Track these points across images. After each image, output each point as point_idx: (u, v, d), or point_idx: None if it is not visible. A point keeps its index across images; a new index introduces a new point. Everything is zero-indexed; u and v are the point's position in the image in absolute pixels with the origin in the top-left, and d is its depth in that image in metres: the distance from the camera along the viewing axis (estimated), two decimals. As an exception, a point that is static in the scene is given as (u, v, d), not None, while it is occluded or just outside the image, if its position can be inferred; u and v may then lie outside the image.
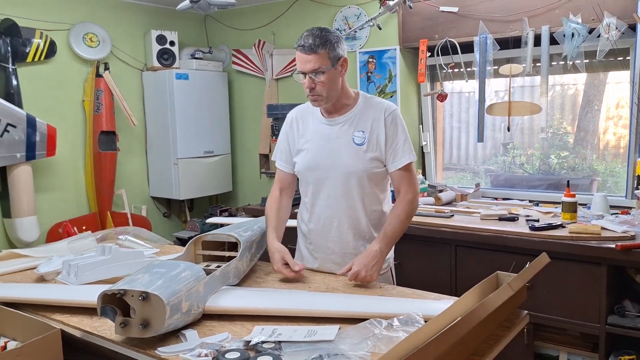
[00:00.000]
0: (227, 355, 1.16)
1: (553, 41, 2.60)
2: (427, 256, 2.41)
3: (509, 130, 2.75)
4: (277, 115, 2.98)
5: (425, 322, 1.28)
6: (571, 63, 2.58)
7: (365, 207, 1.79)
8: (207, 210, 3.94)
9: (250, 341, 1.25)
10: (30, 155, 2.87)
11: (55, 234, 3.09)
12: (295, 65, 3.50)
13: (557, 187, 2.97)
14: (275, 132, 3.00)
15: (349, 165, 1.75)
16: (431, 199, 2.82)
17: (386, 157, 1.76)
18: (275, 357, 1.15)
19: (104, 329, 1.38)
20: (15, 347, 1.45)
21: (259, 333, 1.30)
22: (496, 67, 2.79)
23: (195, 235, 1.83)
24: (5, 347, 1.50)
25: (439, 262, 2.38)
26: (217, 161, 3.86)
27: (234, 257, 1.67)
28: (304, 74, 1.68)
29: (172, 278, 1.32)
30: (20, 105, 2.88)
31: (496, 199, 2.95)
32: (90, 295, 1.52)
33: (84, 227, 3.14)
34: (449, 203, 2.83)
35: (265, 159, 3.78)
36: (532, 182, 3.06)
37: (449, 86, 3.21)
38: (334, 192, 1.79)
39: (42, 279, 1.81)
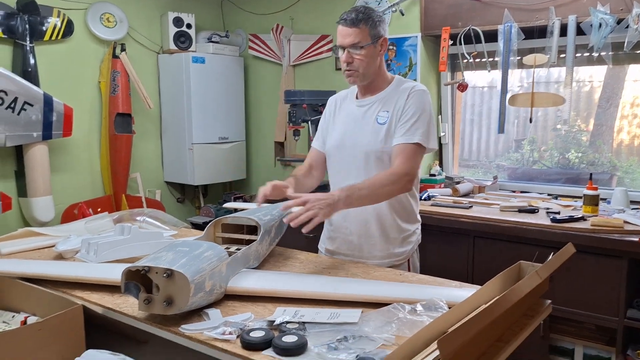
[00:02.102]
0: (251, 334, 1.15)
1: (579, 31, 2.54)
2: (444, 247, 2.39)
3: (530, 121, 2.71)
4: (295, 101, 2.95)
5: (449, 308, 1.27)
6: (597, 54, 2.53)
7: None
8: (220, 197, 3.93)
9: (274, 321, 1.23)
10: (46, 134, 2.87)
11: (70, 214, 3.10)
12: (315, 49, 3.54)
13: (576, 182, 2.93)
14: (292, 119, 2.97)
15: (368, 145, 1.74)
16: (448, 190, 2.79)
17: (396, 128, 1.69)
18: (300, 337, 1.14)
19: (126, 306, 1.37)
20: (36, 322, 1.46)
21: (281, 314, 1.29)
22: (519, 58, 2.74)
23: (210, 221, 1.83)
24: (25, 322, 1.51)
25: (457, 253, 2.36)
26: (232, 148, 3.84)
27: (253, 240, 1.66)
28: (343, 48, 1.69)
29: (196, 257, 1.31)
30: (37, 84, 2.88)
31: (514, 192, 2.92)
32: (111, 273, 1.52)
33: (99, 209, 3.14)
34: (466, 195, 2.80)
35: (280, 146, 3.76)
36: (551, 175, 3.02)
37: (469, 77, 3.16)
38: (354, 173, 1.78)
39: (60, 257, 1.81)
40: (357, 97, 1.84)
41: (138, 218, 2.12)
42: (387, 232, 1.79)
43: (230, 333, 1.18)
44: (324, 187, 1.96)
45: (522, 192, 2.91)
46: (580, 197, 2.58)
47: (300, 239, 1.87)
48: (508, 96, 2.76)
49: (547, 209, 2.35)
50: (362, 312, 1.30)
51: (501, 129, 2.79)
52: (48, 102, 2.83)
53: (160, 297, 1.23)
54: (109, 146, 3.31)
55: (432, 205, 2.55)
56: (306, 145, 3.25)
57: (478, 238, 2.30)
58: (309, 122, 2.97)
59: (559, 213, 2.24)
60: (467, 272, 2.32)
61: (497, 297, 1.07)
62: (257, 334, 1.15)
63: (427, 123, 1.69)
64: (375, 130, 1.74)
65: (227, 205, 2.59)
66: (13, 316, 1.56)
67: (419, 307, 1.30)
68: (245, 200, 3.68)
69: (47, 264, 1.69)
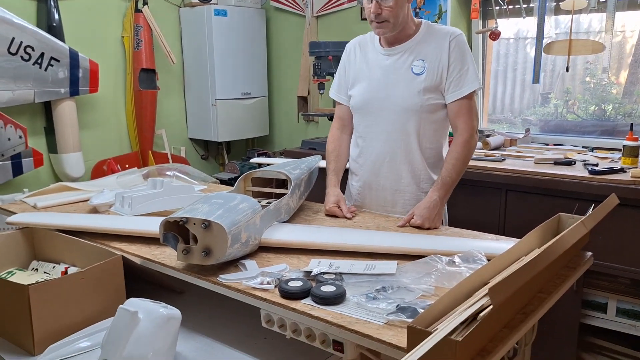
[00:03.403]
0: (290, 284, 1.16)
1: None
2: (475, 201, 2.35)
3: (567, 70, 2.59)
4: (320, 53, 2.87)
5: (488, 260, 1.25)
6: (642, -3, 2.37)
7: (420, 142, 1.72)
8: (244, 153, 3.93)
9: (310, 272, 1.24)
10: (73, 90, 2.86)
11: (99, 170, 3.14)
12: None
13: (612, 134, 2.82)
14: (317, 71, 2.90)
15: (405, 98, 1.68)
16: (479, 144, 2.72)
17: (446, 85, 1.66)
18: (338, 287, 1.14)
19: (163, 257, 1.39)
20: (78, 271, 1.49)
21: (316, 265, 1.29)
22: (555, 3, 2.58)
23: (235, 177, 1.82)
24: (65, 273, 1.55)
25: (488, 207, 2.31)
26: (255, 103, 3.80)
27: (283, 194, 1.66)
28: None
29: (231, 209, 1.31)
30: (62, 40, 2.85)
31: (547, 144, 2.84)
32: (146, 226, 1.54)
33: (126, 165, 3.17)
34: (496, 148, 2.73)
35: (303, 101, 3.70)
36: (586, 128, 2.92)
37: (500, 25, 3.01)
38: (387, 127, 1.73)
39: (94, 210, 1.84)
40: (382, 46, 1.74)
41: (168, 173, 2.13)
42: (421, 186, 1.76)
43: (268, 283, 1.19)
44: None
45: (555, 145, 2.82)
46: (617, 150, 2.49)
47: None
48: (543, 44, 2.63)
49: (584, 161, 2.28)
50: (398, 264, 1.29)
51: (536, 79, 2.68)
52: (74, 57, 2.81)
53: (199, 248, 1.24)
54: (134, 102, 3.31)
55: (462, 158, 2.48)
56: (331, 99, 3.18)
57: (511, 191, 2.25)
58: (334, 75, 2.89)
59: (596, 165, 2.17)
60: (499, 226, 2.28)
61: (545, 247, 1.05)
62: (295, 284, 1.16)
63: (474, 64, 1.67)
64: (411, 82, 1.67)
65: (254, 160, 2.59)
66: (53, 267, 1.61)
67: (456, 259, 1.28)
68: (269, 157, 3.67)
69: (84, 217, 1.72)
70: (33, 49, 2.64)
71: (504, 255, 1.17)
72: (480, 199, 2.33)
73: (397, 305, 1.06)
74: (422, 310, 1.05)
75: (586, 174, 2.07)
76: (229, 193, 1.45)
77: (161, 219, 1.28)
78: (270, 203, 1.56)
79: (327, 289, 1.13)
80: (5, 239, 1.61)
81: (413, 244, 1.41)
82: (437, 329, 0.87)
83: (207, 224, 1.22)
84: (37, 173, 2.95)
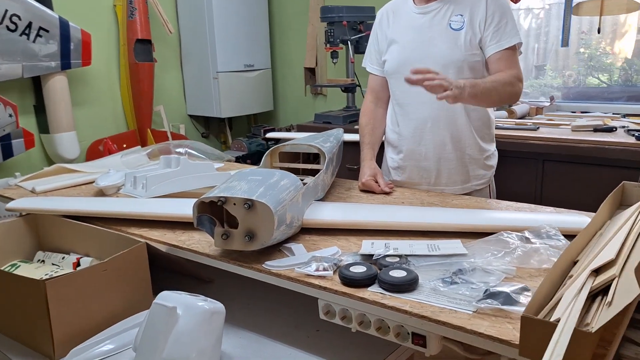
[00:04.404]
0: (351, 269, 1.00)
1: None
2: (509, 172, 2.19)
3: (599, 32, 2.44)
4: (334, 19, 2.66)
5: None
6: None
7: (465, 105, 1.56)
8: (248, 131, 3.73)
9: (371, 255, 1.08)
10: (65, 64, 2.63)
11: (95, 151, 2.93)
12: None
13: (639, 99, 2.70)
14: (329, 39, 2.70)
15: (446, 55, 1.53)
16: (503, 113, 2.57)
17: (484, 39, 1.52)
18: (408, 271, 0.98)
19: (193, 243, 1.23)
20: (91, 263, 1.33)
21: (370, 247, 1.14)
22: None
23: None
24: (78, 264, 1.38)
25: (524, 178, 2.17)
26: (258, 76, 3.58)
27: (314, 170, 1.50)
28: None
29: (272, 186, 1.14)
30: (50, 8, 2.60)
31: (573, 112, 2.70)
32: (169, 208, 1.36)
33: (124, 145, 2.96)
34: (522, 117, 2.58)
35: (311, 73, 3.50)
36: (612, 94, 2.78)
37: None
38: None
39: (101, 193, 1.66)
40: (415, 4, 1.62)
41: (179, 150, 1.94)
42: (467, 152, 1.62)
43: (325, 269, 1.03)
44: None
45: (582, 112, 2.69)
46: (650, 115, 2.37)
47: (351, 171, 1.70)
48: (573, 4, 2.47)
49: (624, 127, 2.15)
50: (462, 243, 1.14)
51: (565, 42, 2.52)
52: (64, 27, 2.56)
53: (240, 231, 1.07)
54: (130, 76, 3.07)
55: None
56: (344, 69, 3.00)
57: (548, 161, 2.10)
58: (349, 42, 2.70)
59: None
60: (535, 197, 2.15)
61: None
62: (358, 269, 1.00)
63: (513, 19, 1.55)
64: (451, 37, 1.54)
65: (270, 135, 2.41)
66: (63, 257, 1.42)
67: (528, 235, 1.14)
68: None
69: (94, 201, 1.53)
70: (20, 18, 2.39)
71: (585, 232, 1.05)
72: (516, 169, 2.18)
73: (486, 291, 0.91)
74: (516, 296, 0.91)
75: (632, 140, 1.93)
76: (266, 169, 1.28)
77: (183, 200, 1.11)
78: (302, 180, 1.40)
79: (397, 274, 0.98)
80: (7, 229, 1.42)
81: (476, 220, 1.26)
82: (558, 318, 0.73)
83: (250, 204, 1.05)
84: (27, 156, 2.73)
